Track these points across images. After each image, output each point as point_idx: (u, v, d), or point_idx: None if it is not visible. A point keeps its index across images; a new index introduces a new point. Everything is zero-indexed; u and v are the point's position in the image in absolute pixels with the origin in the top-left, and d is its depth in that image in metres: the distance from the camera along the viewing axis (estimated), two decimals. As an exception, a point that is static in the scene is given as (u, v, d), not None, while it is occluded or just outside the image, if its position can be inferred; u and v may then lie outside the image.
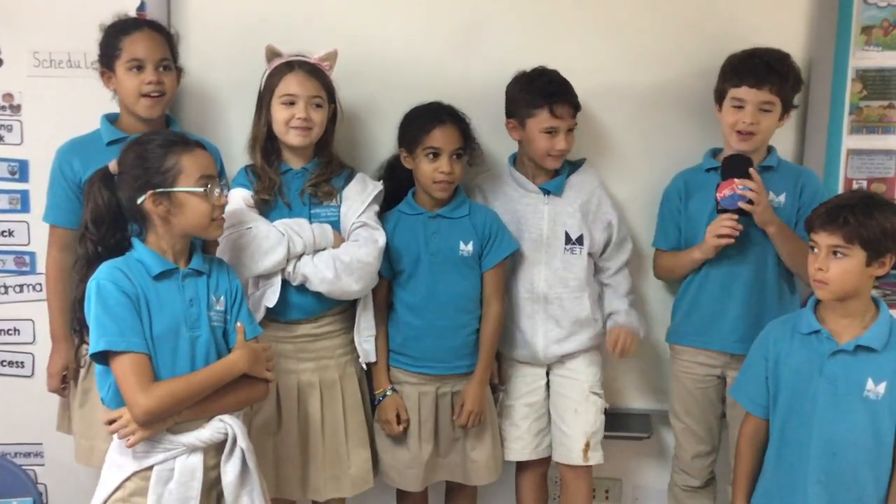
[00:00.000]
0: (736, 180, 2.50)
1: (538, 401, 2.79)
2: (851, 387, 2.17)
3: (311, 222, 2.53)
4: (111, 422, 2.04)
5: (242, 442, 2.11)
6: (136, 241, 2.12)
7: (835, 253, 2.14)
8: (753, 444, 2.38)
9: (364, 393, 2.69)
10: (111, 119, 2.60)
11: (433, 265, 2.62)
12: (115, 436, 2.11)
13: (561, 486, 2.85)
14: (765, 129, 2.58)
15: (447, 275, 2.62)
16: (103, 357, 2.03)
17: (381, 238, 2.55)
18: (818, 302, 2.25)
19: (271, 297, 2.51)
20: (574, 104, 2.65)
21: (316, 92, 2.52)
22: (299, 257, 2.49)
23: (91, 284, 2.05)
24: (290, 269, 2.49)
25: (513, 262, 2.72)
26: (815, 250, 2.18)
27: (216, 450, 2.11)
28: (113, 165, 2.14)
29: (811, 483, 2.20)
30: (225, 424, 2.10)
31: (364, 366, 2.67)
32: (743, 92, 2.56)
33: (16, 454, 3.04)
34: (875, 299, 2.23)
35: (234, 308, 2.21)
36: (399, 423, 2.64)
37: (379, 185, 2.63)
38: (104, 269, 2.06)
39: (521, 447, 2.79)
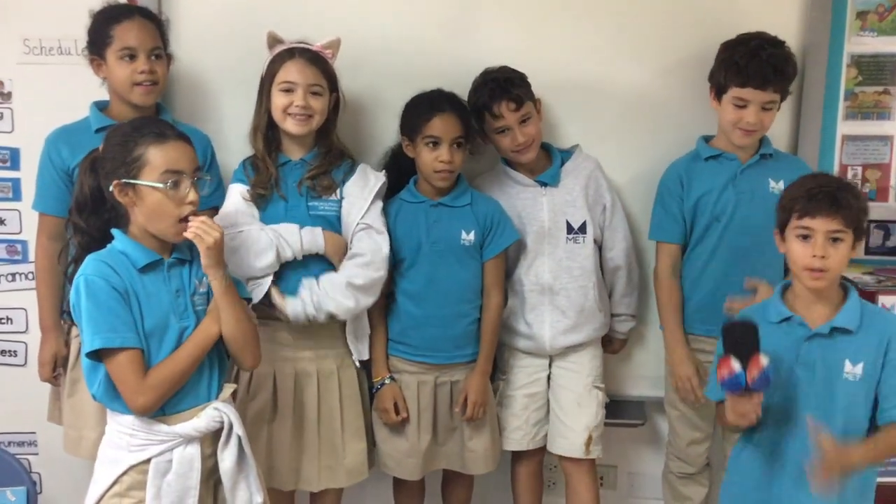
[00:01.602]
0: (762, 357, 2.04)
1: (539, 391, 2.78)
2: (830, 370, 2.13)
3: (308, 214, 2.51)
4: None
5: (238, 429, 2.10)
6: (117, 233, 2.07)
7: (833, 239, 2.09)
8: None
9: (362, 384, 2.67)
10: (100, 106, 2.58)
11: (434, 254, 2.61)
12: (106, 428, 2.11)
13: (565, 479, 2.85)
14: (766, 125, 2.58)
15: (448, 264, 2.61)
16: (97, 353, 2.00)
17: (385, 245, 2.53)
18: (785, 290, 2.21)
19: (258, 294, 2.46)
20: (514, 98, 2.59)
21: (315, 80, 2.49)
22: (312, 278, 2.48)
23: (79, 280, 2.01)
24: (311, 310, 2.45)
25: (517, 254, 2.71)
26: (808, 238, 2.11)
27: (212, 438, 2.10)
28: (102, 147, 2.10)
29: (795, 474, 2.14)
30: (220, 413, 2.09)
31: (357, 363, 2.65)
32: (748, 93, 2.53)
33: (9, 443, 3.03)
34: (843, 283, 2.20)
35: None
36: (397, 412, 2.63)
37: (381, 178, 2.60)
38: (90, 264, 2.02)
39: (520, 437, 2.79)
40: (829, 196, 2.09)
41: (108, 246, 2.07)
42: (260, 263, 2.44)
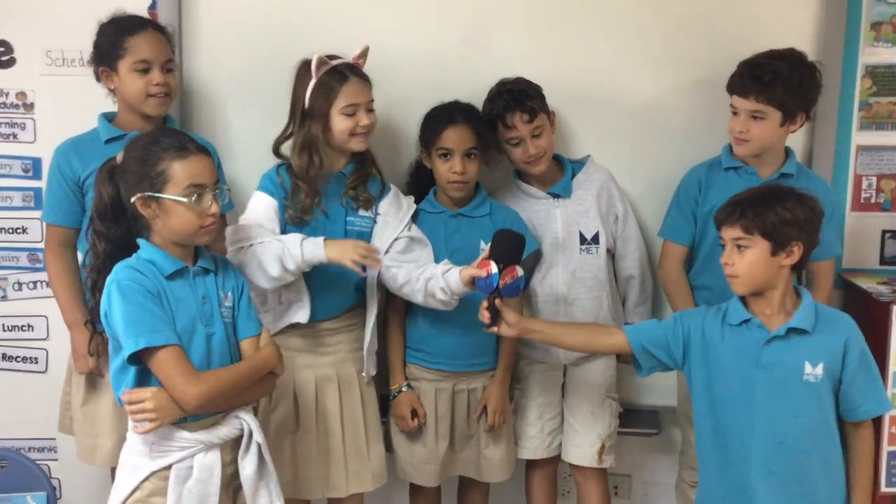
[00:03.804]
0: (518, 269, 2.29)
1: (554, 401, 2.80)
2: (789, 372, 2.17)
3: (346, 229, 2.51)
4: (131, 403, 2.01)
5: (258, 436, 2.12)
6: (142, 242, 2.10)
7: (738, 246, 2.17)
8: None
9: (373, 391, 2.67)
10: (109, 117, 2.60)
11: (453, 262, 2.59)
12: (127, 434, 2.12)
13: (577, 488, 2.87)
14: (758, 136, 2.56)
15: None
16: (137, 357, 2.00)
17: (429, 246, 2.59)
18: (744, 296, 2.26)
19: (302, 315, 2.50)
20: (528, 109, 2.61)
21: (370, 96, 2.50)
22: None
23: (111, 287, 2.02)
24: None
25: (532, 264, 2.72)
26: (725, 247, 2.21)
27: (232, 446, 2.13)
28: (120, 157, 2.13)
29: (762, 475, 2.19)
30: (241, 420, 2.12)
31: (370, 377, 2.64)
32: (735, 100, 2.57)
33: (29, 449, 3.06)
34: (797, 289, 2.25)
35: (242, 303, 2.20)
36: (414, 420, 2.65)
37: (412, 204, 2.62)
38: (120, 271, 2.05)
39: (534, 446, 2.80)
40: (730, 206, 2.20)
41: (135, 255, 2.10)
42: (265, 279, 2.38)
